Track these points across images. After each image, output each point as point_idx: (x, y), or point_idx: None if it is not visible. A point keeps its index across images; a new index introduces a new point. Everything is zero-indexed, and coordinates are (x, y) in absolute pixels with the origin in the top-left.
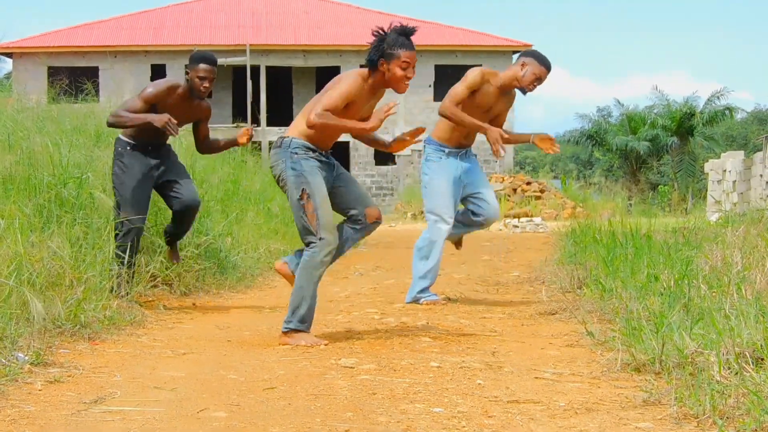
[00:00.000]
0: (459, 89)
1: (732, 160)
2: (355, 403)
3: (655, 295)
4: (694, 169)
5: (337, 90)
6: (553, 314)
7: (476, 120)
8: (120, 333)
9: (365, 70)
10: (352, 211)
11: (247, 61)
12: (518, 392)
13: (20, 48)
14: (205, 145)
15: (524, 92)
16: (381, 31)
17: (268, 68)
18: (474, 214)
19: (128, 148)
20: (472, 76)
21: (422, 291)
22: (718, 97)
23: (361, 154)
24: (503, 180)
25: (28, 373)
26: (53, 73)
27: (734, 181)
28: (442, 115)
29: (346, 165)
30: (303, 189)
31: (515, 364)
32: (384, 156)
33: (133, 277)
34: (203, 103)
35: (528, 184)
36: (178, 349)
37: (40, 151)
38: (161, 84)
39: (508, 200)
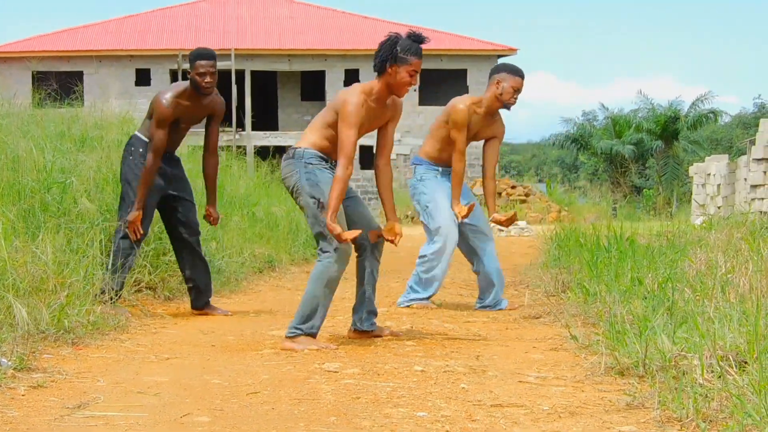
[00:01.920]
0: (460, 139)
1: (716, 164)
2: (338, 407)
3: (638, 299)
4: (679, 173)
5: (346, 121)
6: (537, 318)
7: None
8: (104, 338)
9: (369, 83)
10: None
11: (231, 65)
12: (502, 396)
13: (4, 52)
14: (210, 160)
15: (508, 108)
16: (395, 35)
17: (253, 73)
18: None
19: (154, 177)
20: (460, 117)
21: (422, 299)
22: (702, 101)
23: None
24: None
25: (12, 379)
26: (39, 77)
27: (719, 185)
28: (457, 173)
29: None
30: (319, 198)
31: (499, 368)
32: (368, 161)
33: (124, 283)
34: (216, 98)
35: (513, 188)
36: (162, 354)
37: (25, 156)
38: (167, 98)
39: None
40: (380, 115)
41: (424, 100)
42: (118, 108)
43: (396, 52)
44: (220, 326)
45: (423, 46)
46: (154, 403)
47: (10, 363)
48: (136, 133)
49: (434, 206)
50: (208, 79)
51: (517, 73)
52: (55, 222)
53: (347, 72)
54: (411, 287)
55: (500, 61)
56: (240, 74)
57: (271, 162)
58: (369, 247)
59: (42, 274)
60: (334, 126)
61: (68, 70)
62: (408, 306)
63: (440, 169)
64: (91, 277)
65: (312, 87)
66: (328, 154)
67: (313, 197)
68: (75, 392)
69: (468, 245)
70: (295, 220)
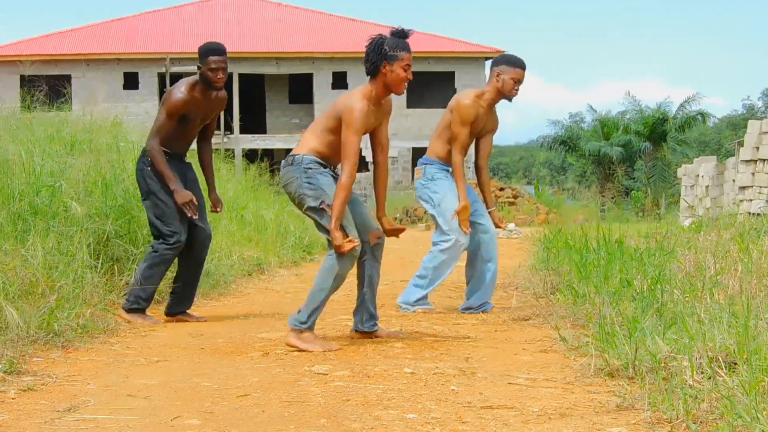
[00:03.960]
0: (463, 134)
1: (705, 165)
2: (328, 409)
3: (628, 301)
4: (667, 174)
5: (352, 128)
6: (527, 320)
7: (463, 188)
8: (93, 341)
9: (366, 87)
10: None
11: None
12: (492, 398)
13: None
14: (206, 146)
15: (510, 99)
16: (379, 36)
17: (241, 75)
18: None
19: (167, 157)
20: (466, 112)
21: (421, 299)
22: (690, 103)
23: None
24: (476, 186)
25: (2, 382)
26: (28, 81)
27: (707, 186)
28: (458, 166)
29: None
30: (323, 200)
31: (489, 370)
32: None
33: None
34: (220, 93)
35: (501, 190)
36: (152, 357)
37: (14, 160)
38: (182, 91)
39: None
40: (378, 117)
41: (411, 103)
42: (106, 111)
43: (385, 51)
44: (209, 329)
45: (410, 48)
46: (144, 406)
47: (0, 366)
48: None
49: (444, 207)
50: (220, 74)
51: (517, 63)
52: (45, 225)
53: (335, 75)
54: (414, 284)
55: (487, 63)
56: (228, 77)
57: (259, 165)
58: (369, 250)
59: (31, 277)
60: (334, 132)
61: (56, 74)
62: (414, 312)
63: (450, 168)
64: (81, 281)
65: (300, 90)
66: (327, 160)
67: (318, 199)
68: (65, 395)
69: (474, 241)
70: (283, 223)
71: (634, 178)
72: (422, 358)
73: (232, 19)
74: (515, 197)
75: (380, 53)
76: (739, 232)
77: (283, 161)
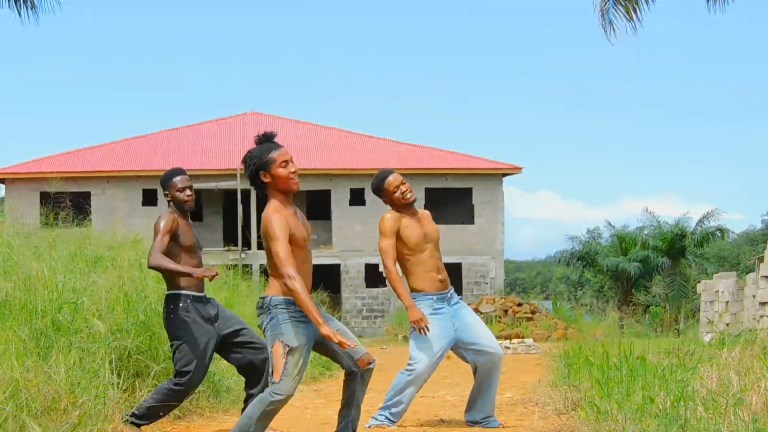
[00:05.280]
0: (387, 245)
1: (724, 281)
2: None
3: (651, 418)
4: (686, 290)
5: (273, 237)
6: None
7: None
8: None
9: (269, 203)
10: (345, 365)
11: (237, 185)
12: None
13: (13, 174)
14: None
15: (408, 203)
16: (246, 155)
17: (258, 192)
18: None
19: (189, 301)
20: (386, 225)
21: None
22: (709, 218)
23: (351, 276)
24: (494, 301)
25: None
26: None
27: (727, 302)
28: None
29: (337, 287)
30: (277, 339)
31: None
32: (374, 278)
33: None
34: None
35: (519, 305)
36: None
37: (37, 277)
38: (166, 215)
39: (499, 322)
40: (303, 224)
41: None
42: (125, 228)
43: (255, 163)
44: None
45: (428, 165)
46: None
47: None
48: (168, 292)
49: (416, 335)
50: (189, 192)
51: (385, 174)
52: (67, 341)
53: (352, 191)
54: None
55: (505, 179)
56: (245, 194)
57: None
58: (359, 374)
59: (54, 393)
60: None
61: (76, 191)
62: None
63: (435, 297)
64: (103, 396)
65: (318, 206)
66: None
67: (273, 338)
68: None
69: (471, 362)
70: None
71: (652, 294)
72: None
73: (250, 136)
74: (533, 312)
75: (252, 168)
76: (761, 348)
77: (257, 304)
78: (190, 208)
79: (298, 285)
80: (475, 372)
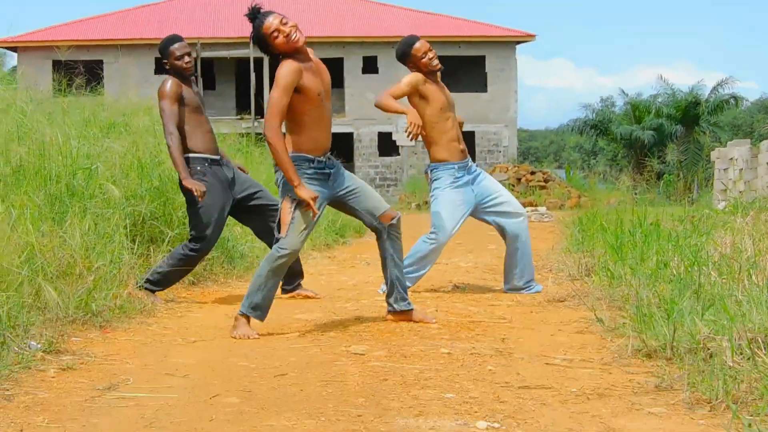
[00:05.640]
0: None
1: (739, 148)
2: (366, 389)
3: (665, 282)
4: (700, 158)
5: (278, 86)
6: (562, 301)
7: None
8: (130, 321)
9: (287, 60)
10: (367, 223)
11: (250, 53)
12: (529, 378)
13: (25, 42)
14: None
15: (434, 71)
16: (251, 34)
17: (272, 60)
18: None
19: (206, 164)
20: (410, 78)
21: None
22: (723, 86)
23: (364, 145)
24: (507, 170)
25: (41, 361)
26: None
27: (741, 170)
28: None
29: (350, 156)
30: (287, 194)
31: (525, 351)
32: (387, 147)
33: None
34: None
35: (532, 173)
36: (189, 337)
37: (51, 143)
38: (169, 80)
39: (512, 190)
40: (322, 78)
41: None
42: (138, 97)
43: (261, 34)
44: None
45: (441, 33)
46: (183, 385)
47: (39, 346)
48: (185, 155)
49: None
50: (187, 59)
51: (411, 40)
52: (82, 207)
53: (365, 59)
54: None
55: (518, 47)
56: (258, 62)
57: None
58: (385, 231)
59: (69, 258)
60: (291, 110)
61: (89, 59)
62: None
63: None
64: (118, 261)
65: (331, 74)
66: (309, 151)
67: (283, 194)
68: (104, 374)
69: (495, 225)
70: None
71: (665, 162)
72: (459, 339)
73: (264, 4)
74: (546, 181)
75: (258, 38)
76: None
77: None
78: (190, 75)
79: (275, 139)
80: (504, 238)
